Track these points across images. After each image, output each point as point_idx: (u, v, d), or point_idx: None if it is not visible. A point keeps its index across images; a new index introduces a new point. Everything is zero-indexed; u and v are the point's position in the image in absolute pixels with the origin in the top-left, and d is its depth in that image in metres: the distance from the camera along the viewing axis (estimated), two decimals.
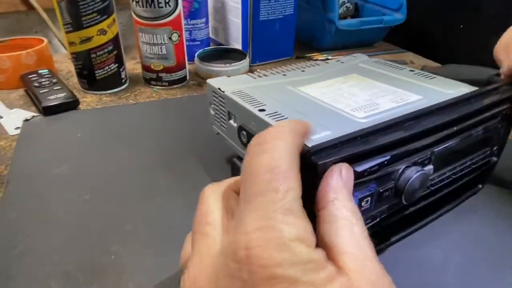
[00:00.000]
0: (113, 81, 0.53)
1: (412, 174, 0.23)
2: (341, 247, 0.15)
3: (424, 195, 0.27)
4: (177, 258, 0.21)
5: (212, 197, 0.19)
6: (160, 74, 0.54)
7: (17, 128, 0.44)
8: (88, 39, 0.48)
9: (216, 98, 0.34)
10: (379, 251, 0.28)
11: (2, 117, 0.46)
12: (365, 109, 0.28)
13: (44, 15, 0.69)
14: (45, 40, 0.57)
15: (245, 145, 0.30)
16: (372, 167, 0.22)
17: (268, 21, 0.62)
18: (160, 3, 0.49)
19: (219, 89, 0.33)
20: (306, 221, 0.15)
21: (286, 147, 0.17)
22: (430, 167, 0.25)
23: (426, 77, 0.35)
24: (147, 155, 0.39)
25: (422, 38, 0.84)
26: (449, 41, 0.81)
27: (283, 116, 0.27)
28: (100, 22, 0.48)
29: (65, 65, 0.63)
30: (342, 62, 0.40)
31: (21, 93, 0.53)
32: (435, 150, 0.25)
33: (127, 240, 0.29)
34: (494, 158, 0.33)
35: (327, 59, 0.69)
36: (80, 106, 0.49)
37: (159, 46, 0.52)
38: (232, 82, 0.34)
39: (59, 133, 0.42)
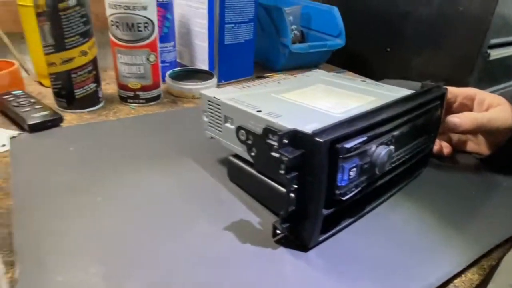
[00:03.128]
0: (91, 100, 0.56)
1: (382, 150, 0.31)
2: None
3: (388, 170, 0.35)
4: (190, 242, 0.25)
5: None
6: (137, 92, 0.58)
7: (3, 145, 0.44)
8: (70, 60, 0.51)
9: (212, 105, 0.39)
10: (359, 217, 0.36)
11: None
12: (339, 107, 0.35)
13: (5, 39, 0.69)
14: (16, 63, 0.57)
15: (243, 142, 0.36)
16: (355, 144, 0.29)
17: (231, 45, 0.69)
18: (140, 27, 0.53)
19: (214, 97, 0.39)
20: None
21: None
22: (392, 147, 0.33)
23: (376, 85, 0.44)
24: (144, 162, 0.43)
25: (357, 59, 0.98)
26: (380, 62, 0.96)
27: (278, 114, 0.33)
28: (82, 44, 0.51)
29: (33, 88, 0.63)
30: (308, 76, 0.49)
31: None
32: (394, 134, 0.33)
33: (144, 233, 0.32)
34: (431, 144, 0.42)
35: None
36: (61, 124, 0.51)
37: (138, 66, 0.56)
38: (223, 92, 0.40)
39: (50, 148, 0.44)
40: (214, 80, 0.66)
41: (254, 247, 0.32)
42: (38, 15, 0.48)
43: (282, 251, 0.31)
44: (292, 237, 0.32)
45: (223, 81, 0.72)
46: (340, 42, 0.84)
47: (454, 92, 0.46)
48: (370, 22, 0.95)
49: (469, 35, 0.78)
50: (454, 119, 0.41)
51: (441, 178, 0.44)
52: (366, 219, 0.36)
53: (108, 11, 0.53)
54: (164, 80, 0.65)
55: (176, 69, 0.68)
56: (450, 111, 0.46)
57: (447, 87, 0.43)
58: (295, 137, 0.29)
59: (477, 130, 0.42)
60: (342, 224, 0.34)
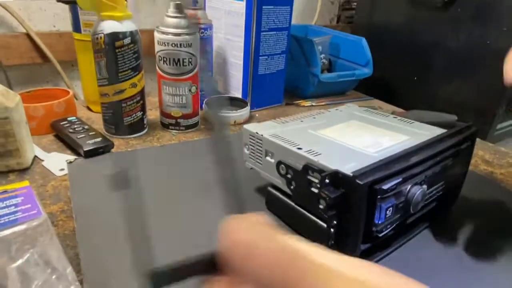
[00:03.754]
0: (137, 127, 0.60)
1: (416, 190, 0.33)
2: None
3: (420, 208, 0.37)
4: None
5: None
6: (178, 120, 0.62)
7: (62, 169, 0.49)
8: (121, 91, 0.56)
9: (253, 139, 0.43)
10: (392, 251, 0.38)
11: (43, 160, 0.51)
12: (373, 146, 0.38)
13: (58, 67, 0.75)
14: (71, 91, 0.63)
15: (283, 176, 0.39)
16: (392, 186, 0.31)
17: (264, 75, 0.74)
18: (184, 62, 0.58)
19: (256, 132, 0.42)
20: None
21: None
22: (425, 186, 0.35)
23: (407, 122, 0.46)
24: (187, 188, 0.46)
25: (385, 87, 1.00)
26: (406, 90, 0.98)
27: (318, 152, 0.36)
28: (133, 77, 0.56)
29: (83, 113, 0.69)
30: (341, 111, 0.51)
31: (52, 138, 0.58)
32: (427, 174, 0.36)
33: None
34: (461, 183, 0.44)
35: (312, 105, 0.82)
36: (112, 149, 0.55)
37: (180, 97, 0.60)
38: (264, 127, 0.44)
39: (104, 172, 0.48)
40: (248, 108, 0.70)
41: None
42: (96, 51, 0.54)
43: None
44: None
45: (255, 108, 0.76)
46: (367, 71, 0.87)
47: None
48: (397, 52, 0.98)
49: (497, 67, 0.79)
50: None
51: (471, 213, 0.45)
52: (398, 252, 0.38)
53: (157, 48, 0.58)
54: (202, 108, 0.70)
55: (213, 97, 0.73)
56: None
57: None
58: (336, 177, 0.31)
59: None
60: (376, 257, 0.36)
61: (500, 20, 0.77)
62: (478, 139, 0.72)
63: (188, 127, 0.64)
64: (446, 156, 0.38)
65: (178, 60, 0.58)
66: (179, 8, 0.57)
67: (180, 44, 0.57)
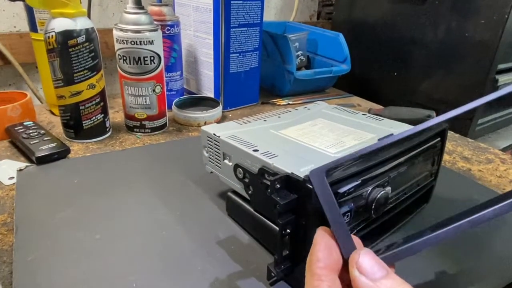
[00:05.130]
0: (98, 130, 0.57)
1: (377, 193, 0.31)
2: None
3: (386, 210, 0.35)
4: (188, 280, 0.25)
5: None
6: (143, 122, 0.59)
7: (11, 178, 0.46)
8: (78, 93, 0.53)
9: (211, 142, 0.40)
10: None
11: None
12: (335, 146, 0.35)
13: (20, 69, 0.72)
14: (28, 94, 0.60)
15: (240, 180, 0.36)
16: (349, 189, 0.29)
17: (236, 73, 0.71)
18: (146, 60, 0.55)
19: (214, 134, 0.39)
20: None
21: None
22: (388, 188, 0.33)
23: (375, 119, 0.44)
24: (146, 195, 0.43)
25: (365, 84, 0.98)
26: (387, 86, 0.96)
27: (274, 154, 0.33)
28: (90, 77, 0.53)
29: (44, 116, 0.65)
30: (309, 109, 0.49)
31: (6, 144, 0.54)
32: (391, 175, 0.33)
33: (143, 270, 0.33)
34: (433, 181, 0.42)
35: (289, 103, 0.79)
36: (69, 155, 0.52)
37: (144, 98, 0.57)
38: (223, 128, 0.41)
39: (55, 180, 0.45)
40: (220, 108, 0.67)
41: (248, 286, 0.31)
42: (49, 51, 0.51)
43: None
44: (288, 280, 0.32)
45: (228, 108, 0.73)
46: (345, 67, 0.85)
47: None
48: (377, 48, 0.96)
49: (477, 60, 0.77)
50: None
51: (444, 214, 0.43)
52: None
53: (116, 46, 0.55)
54: (170, 108, 0.67)
55: (183, 97, 0.70)
56: None
57: None
58: (289, 181, 0.29)
59: None
60: None
61: (478, 12, 0.75)
62: (458, 135, 0.70)
63: (154, 129, 0.60)
64: (413, 155, 0.35)
65: (139, 58, 0.55)
66: (138, 3, 0.54)
67: (141, 42, 0.54)
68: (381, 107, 0.77)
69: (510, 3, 0.70)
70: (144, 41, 0.54)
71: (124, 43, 0.54)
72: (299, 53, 0.88)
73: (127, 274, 0.32)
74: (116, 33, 0.55)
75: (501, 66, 0.78)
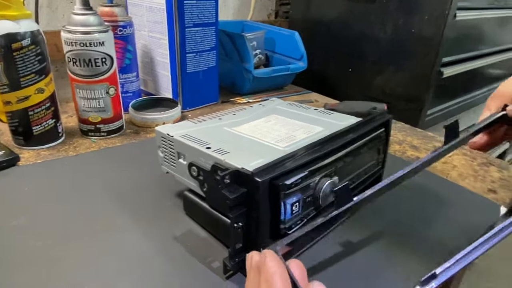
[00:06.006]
0: (50, 136, 0.55)
1: (324, 183, 0.32)
2: None
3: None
4: (144, 281, 0.26)
5: None
6: (98, 126, 0.58)
7: None
8: (26, 98, 0.51)
9: (165, 142, 0.40)
10: (310, 247, 0.36)
11: None
12: (286, 141, 0.37)
13: None
14: None
15: (195, 178, 0.37)
16: (296, 180, 0.30)
17: (194, 73, 0.71)
18: (97, 62, 0.54)
19: (168, 134, 0.39)
20: None
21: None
22: (335, 177, 0.34)
23: (326, 113, 0.46)
24: (100, 199, 0.43)
25: (321, 80, 1.01)
26: (342, 82, 0.99)
27: (226, 151, 0.34)
28: (38, 81, 0.51)
29: None
30: (263, 106, 0.50)
31: None
32: (338, 165, 0.35)
33: (97, 274, 0.32)
34: (381, 169, 0.44)
35: (249, 102, 0.80)
36: (19, 162, 0.50)
37: (97, 100, 0.56)
38: (178, 128, 0.41)
39: (5, 189, 0.43)
40: (178, 108, 0.67)
41: (206, 283, 0.32)
42: None
43: (232, 286, 0.32)
44: (244, 272, 0.33)
45: (188, 108, 0.73)
46: (302, 65, 0.87)
47: None
48: (332, 45, 0.99)
49: (423, 55, 0.82)
50: None
51: (391, 198, 0.46)
52: (318, 245, 0.37)
53: (65, 48, 0.54)
54: (127, 111, 0.66)
55: (140, 98, 0.69)
56: None
57: None
58: (239, 176, 0.30)
59: None
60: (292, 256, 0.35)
61: (421, 9, 0.79)
62: (408, 126, 0.74)
63: (110, 132, 0.59)
64: (358, 146, 0.37)
65: (90, 60, 0.53)
66: (86, 4, 0.53)
67: (90, 43, 0.53)
68: (337, 101, 0.80)
69: (449, 0, 0.75)
70: (94, 43, 0.53)
71: (73, 45, 0.53)
72: (257, 51, 0.90)
73: (81, 280, 0.32)
74: (64, 35, 0.53)
75: (445, 59, 0.83)
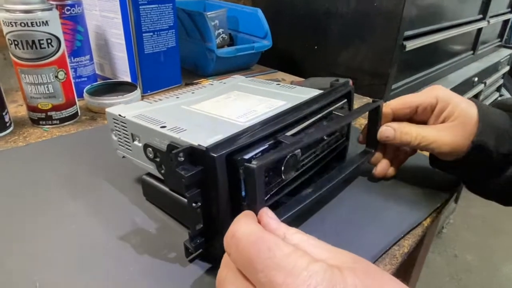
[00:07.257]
0: None
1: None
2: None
3: (300, 173, 0.35)
4: (101, 272, 0.24)
5: None
6: (49, 113, 0.54)
7: None
8: None
9: (118, 124, 0.37)
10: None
11: None
12: (247, 116, 0.35)
13: None
14: None
15: (152, 160, 0.35)
16: (256, 154, 0.29)
17: (153, 54, 0.67)
18: (42, 44, 0.50)
19: (119, 115, 0.37)
20: None
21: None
22: (298, 151, 0.33)
23: (288, 88, 0.44)
24: (54, 190, 0.40)
25: (288, 59, 1.00)
26: (309, 59, 0.98)
27: (183, 129, 0.32)
28: None
29: None
30: (224, 83, 0.48)
31: None
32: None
33: (50, 267, 0.30)
34: (346, 141, 0.44)
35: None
36: None
37: (45, 85, 0.52)
38: (131, 108, 0.38)
39: None
40: (137, 91, 0.64)
41: (168, 268, 0.30)
42: None
43: (195, 269, 0.31)
44: (206, 254, 0.31)
45: (149, 91, 0.70)
46: (267, 43, 0.85)
47: (412, 102, 0.40)
48: (296, 22, 0.97)
49: (386, 28, 0.82)
50: (385, 129, 0.39)
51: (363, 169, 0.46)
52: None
53: (5, 29, 0.49)
54: (82, 96, 0.62)
55: (95, 83, 0.65)
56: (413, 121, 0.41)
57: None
58: (194, 153, 0.28)
59: (411, 146, 0.39)
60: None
61: None
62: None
63: (63, 120, 0.55)
64: (320, 118, 0.36)
65: (33, 42, 0.49)
66: None
67: (32, 23, 0.48)
68: (302, 79, 0.78)
69: None
70: (36, 22, 0.48)
71: (13, 26, 0.48)
72: (220, 31, 0.87)
73: (31, 274, 0.29)
74: (2, 15, 0.48)
75: (408, 33, 0.84)
